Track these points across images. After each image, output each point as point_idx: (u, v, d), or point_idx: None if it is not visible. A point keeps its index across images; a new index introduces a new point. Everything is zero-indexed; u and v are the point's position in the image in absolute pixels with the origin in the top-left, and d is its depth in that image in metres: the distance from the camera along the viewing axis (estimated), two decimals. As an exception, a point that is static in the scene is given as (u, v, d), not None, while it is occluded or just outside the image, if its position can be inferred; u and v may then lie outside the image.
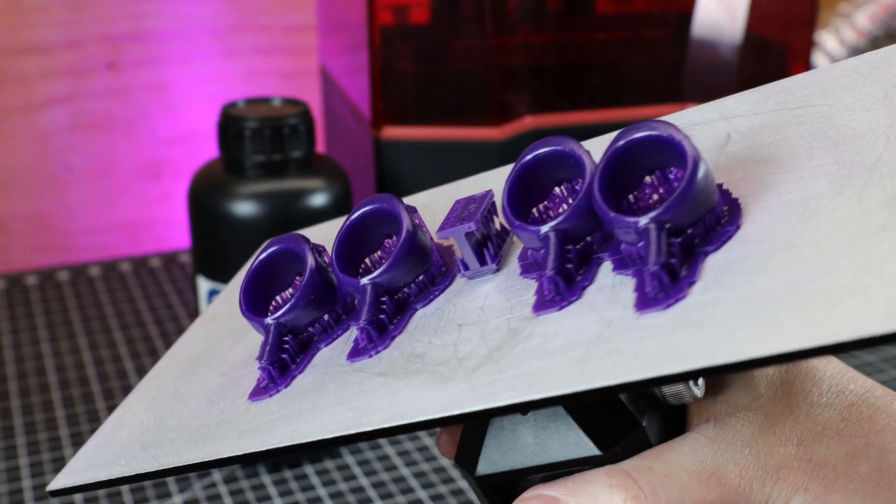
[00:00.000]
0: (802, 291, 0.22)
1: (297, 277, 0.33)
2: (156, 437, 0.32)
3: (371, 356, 0.30)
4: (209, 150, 0.97)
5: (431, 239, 0.31)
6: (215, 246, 0.56)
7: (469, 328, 0.28)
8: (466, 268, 0.30)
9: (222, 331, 0.37)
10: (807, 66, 0.67)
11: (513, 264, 0.30)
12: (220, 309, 0.39)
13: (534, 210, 0.29)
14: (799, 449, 0.28)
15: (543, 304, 0.27)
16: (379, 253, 0.32)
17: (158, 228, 1.02)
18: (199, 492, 0.54)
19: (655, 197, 0.27)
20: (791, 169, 0.27)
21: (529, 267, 0.29)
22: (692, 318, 0.24)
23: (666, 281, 0.25)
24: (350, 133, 0.69)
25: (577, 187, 0.28)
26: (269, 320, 0.31)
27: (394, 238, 0.31)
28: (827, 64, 0.97)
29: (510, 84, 0.63)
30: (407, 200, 0.36)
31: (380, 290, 0.30)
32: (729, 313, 0.23)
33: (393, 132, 0.62)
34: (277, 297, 0.33)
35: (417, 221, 0.30)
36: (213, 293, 0.57)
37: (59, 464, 0.56)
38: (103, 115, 0.97)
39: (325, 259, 0.32)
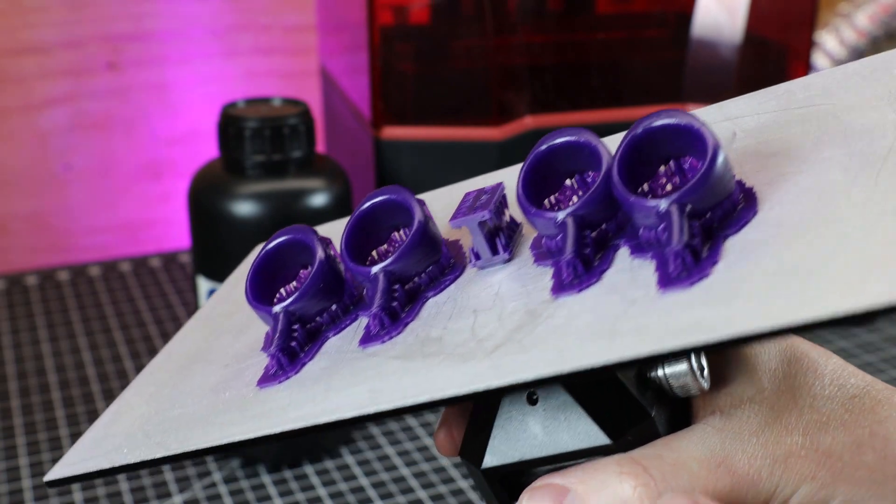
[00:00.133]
0: (831, 263, 0.22)
1: (302, 270, 0.33)
2: (159, 427, 0.32)
3: (384, 342, 0.29)
4: (209, 150, 0.97)
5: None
6: (215, 246, 0.56)
7: (485, 313, 0.28)
8: (478, 258, 0.30)
9: (220, 328, 0.37)
10: (807, 65, 0.67)
11: (523, 255, 0.29)
12: (216, 308, 0.39)
13: (545, 201, 0.29)
14: (805, 438, 0.28)
15: (562, 286, 0.27)
16: (386, 246, 0.32)
17: (158, 228, 1.02)
18: (199, 492, 0.54)
19: (669, 186, 0.27)
20: (802, 161, 0.27)
21: (543, 255, 0.29)
22: (719, 293, 0.24)
23: (689, 260, 0.25)
24: (350, 133, 0.69)
25: (589, 179, 0.28)
26: (277, 308, 0.31)
27: (401, 231, 0.31)
28: (827, 64, 0.97)
29: (510, 84, 0.63)
30: None
31: (392, 279, 0.30)
32: (758, 286, 0.23)
33: (393, 132, 0.62)
34: (282, 290, 0.33)
35: (427, 212, 0.30)
36: (212, 293, 0.57)
37: (59, 464, 0.57)
38: (103, 115, 0.97)
39: (332, 251, 0.32)
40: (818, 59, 0.98)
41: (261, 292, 0.32)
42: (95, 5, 0.94)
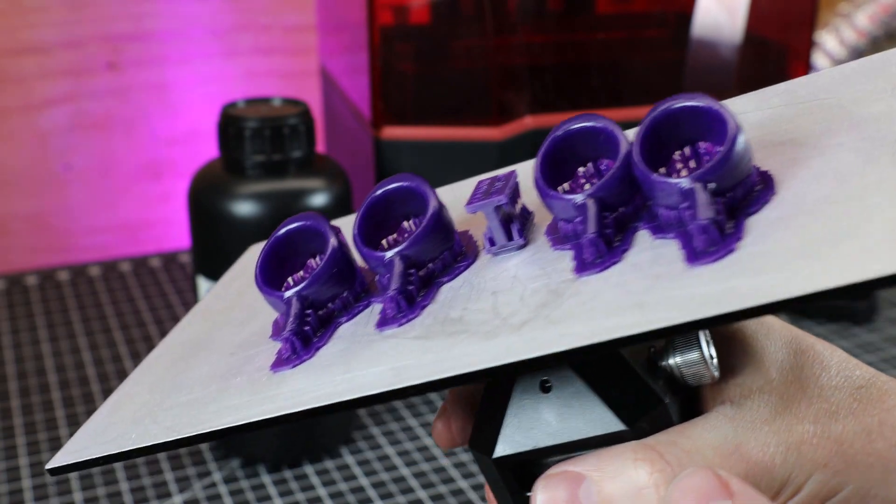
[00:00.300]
0: (859, 232, 0.23)
1: (311, 259, 0.32)
2: (168, 412, 0.31)
3: (401, 324, 0.29)
4: (209, 150, 0.97)
5: None
6: (215, 246, 0.56)
7: (505, 294, 0.28)
8: (493, 244, 0.30)
9: (220, 321, 0.37)
10: (807, 65, 0.67)
11: (538, 242, 0.29)
12: (214, 303, 0.39)
13: (559, 189, 0.29)
14: (816, 427, 0.28)
15: (585, 266, 0.27)
16: (396, 235, 0.31)
17: (158, 228, 1.02)
18: (199, 492, 0.54)
19: (685, 172, 0.27)
20: (813, 147, 0.27)
21: (560, 240, 0.28)
22: (749, 265, 0.24)
23: (715, 235, 0.25)
24: (350, 133, 0.69)
25: (603, 167, 0.29)
26: (290, 293, 0.30)
27: (411, 220, 0.31)
28: (827, 64, 0.97)
29: (510, 84, 0.63)
30: None
31: (407, 263, 0.30)
32: (788, 255, 0.23)
33: (393, 132, 0.62)
34: (289, 279, 0.32)
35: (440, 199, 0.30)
36: (212, 293, 0.57)
37: (59, 464, 0.57)
38: (103, 115, 0.97)
39: (343, 239, 0.32)
40: (818, 59, 0.98)
41: (270, 279, 0.32)
42: (95, 5, 0.94)
